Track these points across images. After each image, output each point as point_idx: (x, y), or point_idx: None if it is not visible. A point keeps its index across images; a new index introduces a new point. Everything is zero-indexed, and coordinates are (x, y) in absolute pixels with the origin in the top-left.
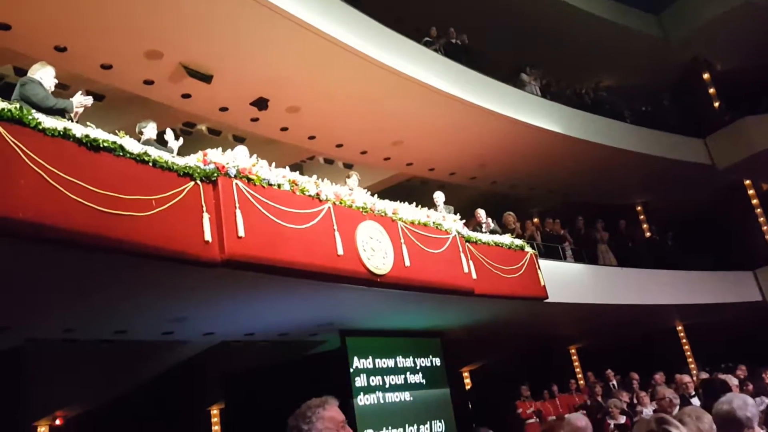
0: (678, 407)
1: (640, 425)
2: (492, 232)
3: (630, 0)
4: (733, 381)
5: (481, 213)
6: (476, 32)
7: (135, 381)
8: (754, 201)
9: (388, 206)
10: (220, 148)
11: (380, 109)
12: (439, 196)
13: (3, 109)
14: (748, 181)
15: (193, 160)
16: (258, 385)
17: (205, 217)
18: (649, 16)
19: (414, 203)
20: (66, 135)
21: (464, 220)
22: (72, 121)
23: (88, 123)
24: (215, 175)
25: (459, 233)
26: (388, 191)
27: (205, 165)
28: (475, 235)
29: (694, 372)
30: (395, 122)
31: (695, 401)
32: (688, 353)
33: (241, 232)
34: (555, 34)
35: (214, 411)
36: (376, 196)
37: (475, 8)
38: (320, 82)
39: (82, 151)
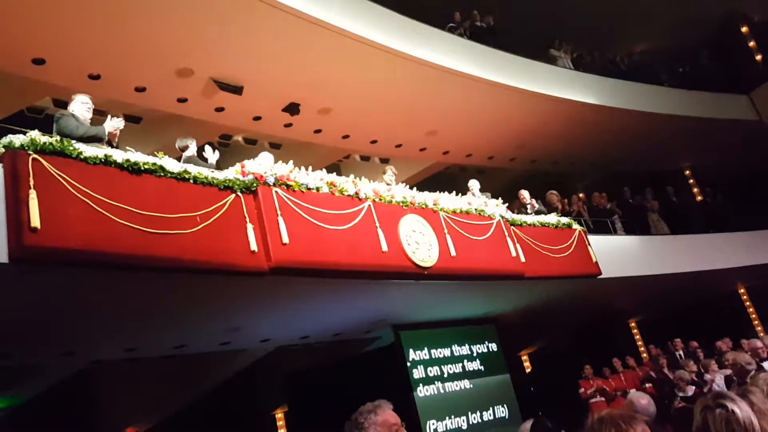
0: (753, 372)
1: (700, 402)
2: (538, 212)
3: None
4: None
5: (524, 194)
6: (501, 11)
7: (199, 392)
8: None
9: (428, 197)
10: (262, 156)
11: (411, 101)
12: (474, 185)
13: (45, 143)
14: None
15: (231, 173)
16: (319, 386)
17: (249, 227)
18: None
19: (454, 191)
20: (107, 161)
21: (507, 204)
22: (112, 146)
23: (128, 147)
24: (255, 185)
25: (503, 217)
26: (427, 182)
27: (243, 176)
28: (519, 218)
29: (762, 334)
30: (428, 112)
31: (766, 365)
32: (753, 316)
33: (285, 239)
34: (582, 2)
35: (279, 414)
36: (414, 188)
37: None
38: (349, 80)
39: (124, 175)
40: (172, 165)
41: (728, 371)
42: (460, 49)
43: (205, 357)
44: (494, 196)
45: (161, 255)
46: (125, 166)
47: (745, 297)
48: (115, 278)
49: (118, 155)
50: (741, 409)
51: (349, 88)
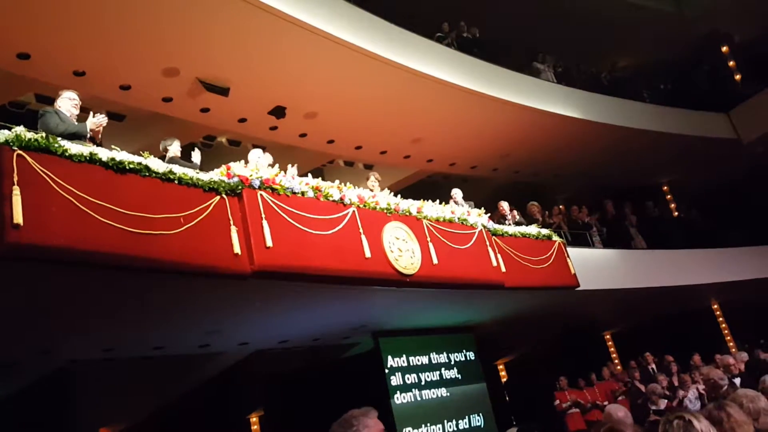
0: (725, 388)
1: (662, 421)
2: (517, 223)
3: None
4: None
5: (504, 205)
6: (487, 22)
7: (175, 394)
8: None
9: (411, 205)
10: (242, 161)
11: (397, 108)
12: (457, 193)
13: (30, 139)
14: None
15: (217, 175)
16: (295, 391)
17: (233, 230)
18: None
19: (437, 200)
20: (92, 159)
21: (489, 214)
22: (95, 143)
23: (113, 146)
24: (240, 187)
25: (485, 227)
26: (411, 189)
27: (229, 178)
28: (501, 228)
29: (734, 350)
30: (413, 120)
31: (737, 381)
32: (726, 332)
33: (269, 243)
34: (566, 17)
35: (254, 419)
36: (399, 195)
37: None
38: (335, 86)
39: (109, 174)
40: (157, 165)
41: (701, 386)
42: (447, 59)
43: (183, 359)
44: (477, 206)
45: (144, 255)
46: (110, 164)
47: (718, 312)
48: (96, 277)
49: (104, 154)
50: (699, 420)
51: (335, 94)
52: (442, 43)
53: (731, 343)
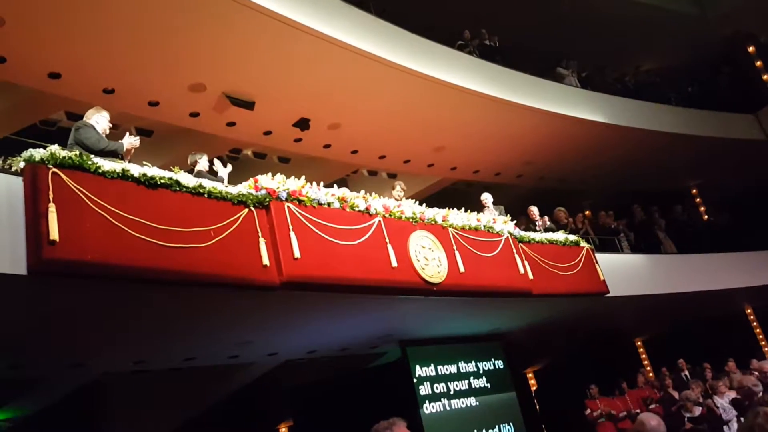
0: (760, 395)
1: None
2: (547, 230)
3: None
4: None
5: (534, 210)
6: (509, 30)
7: (205, 405)
8: None
9: (437, 214)
10: (270, 173)
11: (420, 117)
12: (487, 198)
13: (65, 158)
14: None
15: (245, 188)
16: (324, 401)
17: (262, 242)
18: None
19: (462, 208)
20: (125, 176)
21: (515, 220)
22: (123, 161)
23: (144, 162)
24: (267, 200)
25: (511, 234)
26: (435, 198)
27: (257, 191)
28: (527, 235)
29: None
30: (436, 128)
31: None
32: (761, 336)
33: (297, 254)
34: (590, 23)
35: (283, 429)
36: (423, 204)
37: (505, 5)
38: (359, 97)
39: (141, 189)
40: (187, 180)
41: (735, 393)
42: (469, 67)
43: (212, 370)
44: (505, 211)
45: (175, 269)
46: (142, 180)
47: (752, 317)
48: (129, 291)
49: (135, 170)
50: None
51: (358, 104)
52: (463, 51)
53: (766, 349)
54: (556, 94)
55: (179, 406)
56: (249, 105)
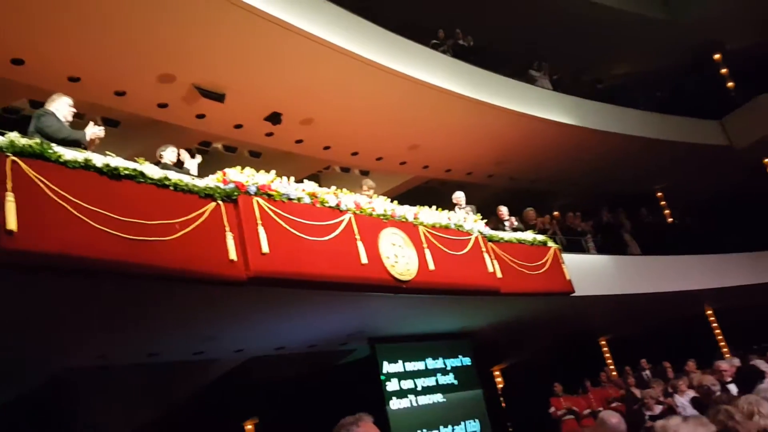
0: (718, 394)
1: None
2: (515, 229)
3: None
4: (765, 366)
5: (503, 210)
6: (483, 31)
7: (172, 401)
8: None
9: (408, 211)
10: (239, 167)
11: (393, 115)
12: (459, 196)
13: (25, 146)
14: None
15: (212, 181)
16: (291, 398)
17: (229, 236)
18: (657, 1)
19: (434, 206)
20: (87, 166)
21: (486, 220)
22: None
23: (107, 152)
24: (236, 194)
25: (481, 233)
26: (407, 195)
27: (225, 185)
28: (497, 234)
29: (727, 356)
30: (409, 126)
31: (733, 387)
32: (720, 338)
33: (265, 249)
34: (562, 26)
35: (249, 426)
36: (395, 201)
37: (479, 7)
38: (332, 92)
39: (103, 180)
40: (152, 171)
41: (695, 392)
42: (444, 66)
43: (179, 366)
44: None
45: (139, 262)
46: (105, 170)
47: (712, 319)
48: (90, 284)
49: (98, 159)
50: None
51: (332, 100)
52: (438, 50)
53: (725, 349)
54: (528, 95)
55: (143, 403)
56: (219, 97)
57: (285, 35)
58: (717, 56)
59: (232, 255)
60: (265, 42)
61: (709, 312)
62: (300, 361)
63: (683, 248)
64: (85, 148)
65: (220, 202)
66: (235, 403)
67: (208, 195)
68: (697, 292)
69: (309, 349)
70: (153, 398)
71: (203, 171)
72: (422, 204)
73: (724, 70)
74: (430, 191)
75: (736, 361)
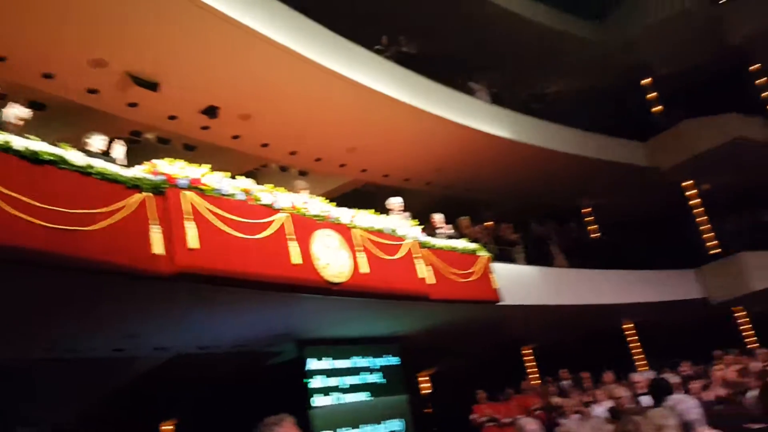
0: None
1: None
2: (449, 237)
3: (572, 7)
4: (675, 379)
5: (437, 218)
6: (426, 40)
7: (91, 399)
8: (695, 201)
9: (343, 214)
10: (173, 160)
11: (333, 117)
12: (394, 202)
13: None
14: (689, 182)
15: (140, 171)
16: (213, 399)
17: (155, 229)
18: (591, 23)
19: (372, 209)
20: (6, 148)
21: (423, 226)
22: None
23: (27, 135)
24: (164, 186)
25: (415, 239)
26: (346, 198)
27: (154, 176)
28: (430, 240)
29: (643, 369)
30: (349, 129)
31: (646, 399)
32: (638, 351)
33: (193, 244)
34: (500, 42)
35: (168, 427)
36: (333, 204)
37: (423, 15)
38: (271, 89)
39: (23, 164)
40: (76, 158)
41: (611, 402)
42: (385, 71)
43: (95, 363)
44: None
45: (58, 251)
46: (25, 154)
47: (631, 332)
48: (5, 274)
49: (18, 143)
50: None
51: (271, 97)
52: (380, 56)
53: (643, 362)
54: (467, 107)
55: (58, 401)
56: (152, 86)
57: (224, 27)
58: (646, 80)
59: (157, 249)
60: (203, 32)
61: (630, 326)
62: (226, 361)
63: (606, 263)
64: (6, 131)
65: (148, 193)
66: (153, 404)
67: (135, 186)
68: (616, 306)
69: (235, 349)
70: (68, 396)
71: (135, 162)
72: (363, 207)
73: (652, 94)
74: (370, 195)
75: (650, 374)
